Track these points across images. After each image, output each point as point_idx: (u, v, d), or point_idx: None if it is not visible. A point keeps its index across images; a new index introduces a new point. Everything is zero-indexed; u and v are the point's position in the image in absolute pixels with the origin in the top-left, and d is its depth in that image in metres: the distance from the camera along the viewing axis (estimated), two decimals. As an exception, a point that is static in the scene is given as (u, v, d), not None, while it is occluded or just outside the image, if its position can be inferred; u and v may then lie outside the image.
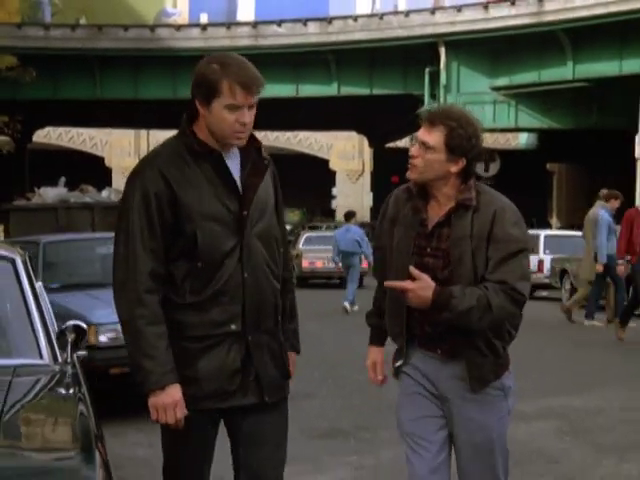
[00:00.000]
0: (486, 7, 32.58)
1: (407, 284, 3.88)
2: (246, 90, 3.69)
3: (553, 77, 32.32)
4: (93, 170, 42.62)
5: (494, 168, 34.12)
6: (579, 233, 27.27)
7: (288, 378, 4.04)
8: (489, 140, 40.88)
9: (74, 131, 49.99)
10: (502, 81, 34.04)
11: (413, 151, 4.03)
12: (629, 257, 14.99)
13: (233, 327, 3.77)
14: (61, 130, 49.28)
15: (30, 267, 4.79)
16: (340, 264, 21.17)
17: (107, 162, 51.26)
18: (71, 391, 4.08)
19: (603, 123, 33.56)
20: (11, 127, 21.84)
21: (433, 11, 33.64)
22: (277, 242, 3.98)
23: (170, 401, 3.70)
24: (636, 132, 24.77)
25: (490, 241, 3.93)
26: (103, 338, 8.81)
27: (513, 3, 31.73)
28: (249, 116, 3.75)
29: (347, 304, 19.98)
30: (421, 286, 3.87)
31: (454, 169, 3.98)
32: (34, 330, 4.42)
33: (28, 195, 24.21)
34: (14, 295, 4.57)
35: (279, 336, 3.95)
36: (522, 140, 45.13)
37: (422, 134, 4.02)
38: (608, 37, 29.48)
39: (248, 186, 3.85)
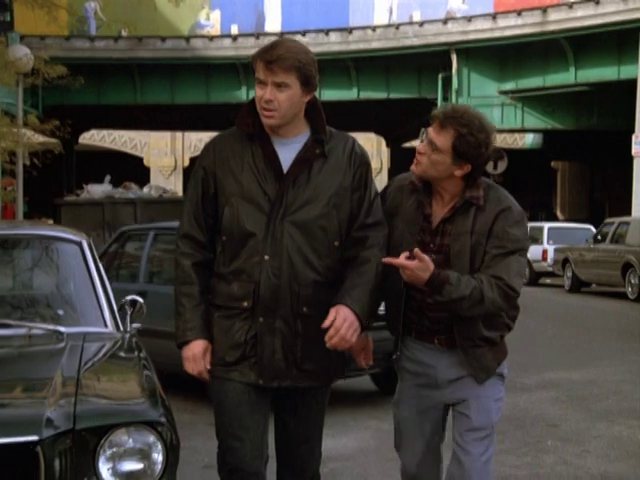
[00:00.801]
0: (494, 17, 32.43)
1: (408, 262, 3.59)
2: (266, 66, 3.57)
3: (556, 81, 32.14)
4: (133, 169, 42.77)
5: (502, 166, 34.14)
6: (581, 225, 27.50)
7: (307, 371, 3.71)
8: (497, 140, 40.73)
9: (116, 133, 50.10)
10: (509, 85, 33.79)
11: (420, 147, 3.77)
12: None
13: (245, 304, 3.64)
14: (104, 132, 49.39)
15: (94, 250, 4.96)
16: None
17: (145, 162, 51.35)
18: (134, 354, 4.29)
19: (603, 124, 33.44)
20: (61, 130, 22.11)
21: (445, 21, 33.44)
22: (326, 232, 3.67)
23: (190, 354, 3.66)
24: (633, 132, 24.76)
25: (489, 237, 3.73)
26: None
27: (519, 14, 31.55)
28: (272, 93, 3.57)
29: None
30: (420, 267, 3.59)
31: (459, 173, 3.74)
32: (99, 303, 4.60)
33: (77, 192, 24.54)
34: (82, 273, 4.75)
35: (297, 326, 3.66)
36: (528, 140, 44.95)
37: (432, 133, 3.75)
38: (607, 45, 29.39)
39: (290, 173, 3.66)
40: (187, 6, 30.54)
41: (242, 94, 35.30)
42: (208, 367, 3.69)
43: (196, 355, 3.67)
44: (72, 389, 3.48)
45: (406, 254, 3.60)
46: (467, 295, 3.62)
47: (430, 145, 3.73)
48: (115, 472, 3.30)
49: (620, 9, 28.08)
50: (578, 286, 22.58)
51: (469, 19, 32.84)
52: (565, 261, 23.14)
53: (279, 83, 3.57)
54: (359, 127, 48.67)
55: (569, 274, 22.87)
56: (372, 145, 56.14)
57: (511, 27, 31.79)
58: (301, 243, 3.65)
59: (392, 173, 55.04)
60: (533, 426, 7.92)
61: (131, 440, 3.33)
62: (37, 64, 21.06)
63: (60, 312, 4.71)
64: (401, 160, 53.86)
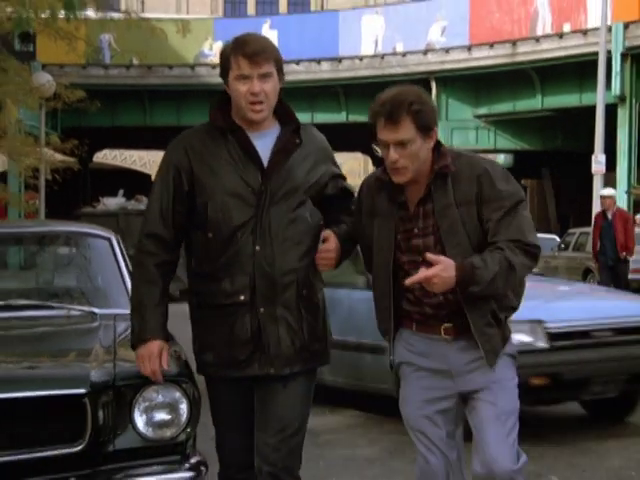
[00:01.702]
0: (469, 49, 32.66)
1: (428, 271, 3.17)
2: (249, 60, 3.34)
3: (525, 107, 32.39)
4: (142, 185, 42.75)
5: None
6: (547, 235, 27.80)
7: (312, 351, 3.48)
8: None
9: (127, 153, 50.23)
10: (483, 110, 34.05)
11: (393, 157, 3.27)
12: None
13: (242, 298, 3.37)
14: (116, 152, 49.58)
15: (122, 245, 5.16)
16: None
17: (154, 179, 51.35)
18: None
19: (567, 145, 33.77)
20: (79, 149, 22.41)
21: (426, 52, 33.64)
22: (311, 216, 3.48)
23: (146, 353, 3.39)
24: (593, 152, 25.08)
25: (482, 203, 3.28)
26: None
27: (492, 46, 31.76)
28: (259, 86, 3.35)
29: None
30: (443, 267, 3.18)
31: (431, 144, 3.33)
32: (126, 289, 4.66)
33: (94, 204, 24.83)
34: (111, 264, 4.96)
35: (300, 310, 3.43)
36: (500, 160, 44.94)
37: (391, 136, 3.28)
38: (570, 75, 29.61)
39: (273, 163, 3.41)
40: (192, 37, 30.79)
41: (242, 117, 35.51)
42: (165, 367, 3.43)
43: (153, 354, 3.39)
44: (110, 355, 3.78)
45: (423, 270, 3.19)
46: (497, 270, 3.22)
47: (399, 146, 3.27)
48: (148, 421, 3.56)
49: (581, 43, 28.37)
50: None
51: (447, 50, 33.04)
52: (532, 267, 23.46)
53: (264, 74, 3.36)
54: (348, 147, 48.78)
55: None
56: (359, 164, 56.24)
57: (484, 58, 32.06)
58: (289, 230, 3.41)
59: (377, 189, 55.31)
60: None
61: (160, 395, 3.59)
62: (58, 89, 21.32)
63: (93, 296, 4.93)
64: None
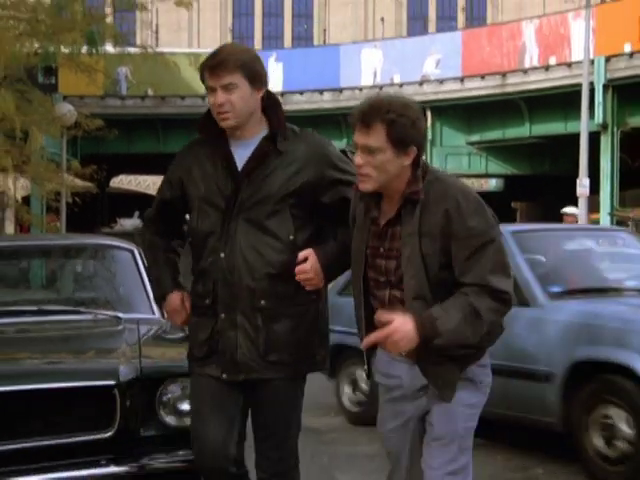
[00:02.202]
0: (462, 80, 32.75)
1: (385, 331, 2.85)
2: (211, 72, 3.22)
3: (514, 134, 32.40)
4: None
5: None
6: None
7: (277, 362, 3.26)
8: (466, 183, 41.10)
9: (141, 178, 50.39)
10: (475, 137, 34.05)
11: (358, 160, 2.96)
12: None
13: (207, 302, 3.29)
14: (132, 177, 49.76)
15: (143, 256, 5.14)
16: None
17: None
18: (177, 331, 4.46)
19: (553, 170, 33.88)
20: (98, 174, 22.65)
21: (421, 83, 33.73)
22: (281, 228, 3.25)
23: (170, 309, 3.45)
24: (577, 176, 25.23)
25: (451, 238, 2.89)
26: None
27: (483, 77, 31.84)
28: (223, 97, 3.19)
29: None
30: (400, 322, 2.84)
31: (407, 162, 2.94)
32: (148, 297, 4.83)
33: (112, 224, 25.01)
34: (134, 274, 5.08)
35: (256, 320, 3.23)
36: (492, 184, 45.24)
37: (360, 139, 2.97)
38: (555, 104, 29.69)
39: (243, 170, 3.25)
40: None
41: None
42: (188, 312, 3.42)
43: (176, 307, 3.42)
44: (136, 353, 3.94)
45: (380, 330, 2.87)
46: (461, 317, 2.85)
47: (366, 151, 2.95)
48: (170, 411, 3.72)
49: (566, 74, 28.52)
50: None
51: (441, 81, 33.11)
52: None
53: (226, 85, 3.20)
54: (348, 173, 49.16)
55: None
56: (359, 188, 56.63)
57: (476, 88, 32.12)
58: (255, 239, 3.23)
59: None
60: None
61: (182, 388, 3.74)
62: (78, 119, 21.54)
63: (118, 303, 5.07)
64: None
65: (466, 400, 3.06)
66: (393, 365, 3.12)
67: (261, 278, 3.23)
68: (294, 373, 3.33)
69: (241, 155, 3.28)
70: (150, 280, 3.67)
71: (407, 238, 2.93)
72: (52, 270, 5.95)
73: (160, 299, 3.54)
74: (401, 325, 2.82)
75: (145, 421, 3.65)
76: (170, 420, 3.74)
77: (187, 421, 3.68)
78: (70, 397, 3.64)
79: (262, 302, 3.24)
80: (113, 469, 3.57)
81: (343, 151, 3.43)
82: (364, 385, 7.33)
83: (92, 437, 3.59)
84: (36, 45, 16.94)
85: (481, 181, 48.28)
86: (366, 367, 3.22)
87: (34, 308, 4.83)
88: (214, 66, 3.22)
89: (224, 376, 3.25)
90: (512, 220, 51.56)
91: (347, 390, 7.55)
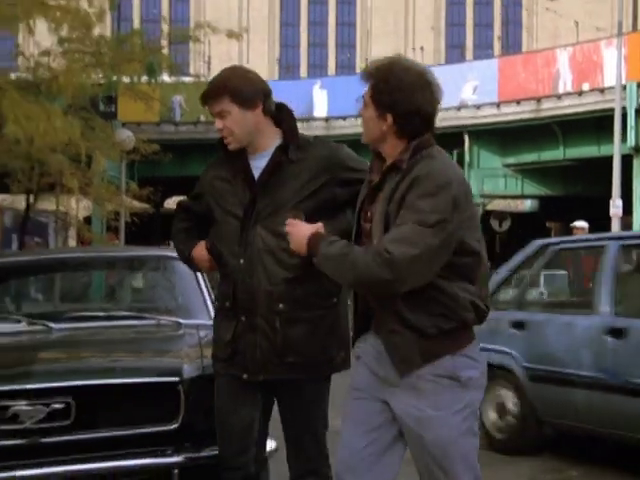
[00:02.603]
0: (498, 105, 32.75)
1: (290, 225, 2.93)
2: (204, 103, 3.31)
3: (549, 157, 32.35)
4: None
5: (506, 225, 34.52)
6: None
7: (296, 364, 3.23)
8: (502, 204, 40.93)
9: (193, 199, 50.81)
10: (511, 160, 34.03)
11: (359, 111, 2.93)
12: None
13: (227, 304, 3.32)
14: (184, 198, 50.18)
15: None
16: None
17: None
18: None
19: (587, 191, 33.64)
20: (154, 196, 23.07)
21: (459, 108, 33.71)
22: None
23: (195, 255, 3.44)
24: (611, 197, 25.11)
25: (401, 207, 2.74)
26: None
27: (518, 103, 31.85)
28: (218, 123, 3.26)
29: None
30: (304, 226, 2.89)
31: (384, 127, 2.81)
32: (205, 304, 4.94)
33: (167, 241, 25.32)
34: (192, 282, 5.10)
35: (275, 322, 3.23)
36: (527, 205, 45.04)
37: (364, 91, 2.92)
38: (589, 128, 29.67)
39: (260, 182, 3.28)
40: (253, 97, 31.29)
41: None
42: (206, 265, 3.49)
43: (200, 254, 3.45)
44: (197, 353, 4.05)
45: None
46: (337, 254, 2.76)
47: (361, 101, 2.92)
48: None
49: (598, 99, 28.51)
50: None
51: (478, 107, 33.20)
52: (556, 300, 23.37)
53: (219, 113, 3.25)
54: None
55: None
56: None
57: (512, 113, 32.17)
58: (272, 245, 3.23)
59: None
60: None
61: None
62: (136, 144, 22.00)
63: (178, 309, 5.18)
64: None
65: (455, 405, 2.77)
66: (375, 345, 2.90)
67: (278, 282, 3.23)
68: (314, 374, 3.30)
69: (258, 166, 3.31)
70: (177, 248, 3.60)
71: (381, 202, 2.82)
72: (118, 279, 6.15)
73: (188, 259, 3.52)
74: (302, 228, 2.87)
75: (206, 415, 3.71)
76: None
77: None
78: (139, 392, 3.78)
79: (280, 305, 3.24)
80: (177, 458, 3.69)
81: None
82: (513, 407, 6.40)
83: (159, 429, 3.72)
84: (99, 76, 17.38)
85: (517, 202, 48.10)
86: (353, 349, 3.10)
87: (103, 314, 5.02)
88: (204, 97, 3.29)
89: (245, 376, 3.28)
90: (547, 239, 51.30)
91: (492, 415, 6.54)
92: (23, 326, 4.68)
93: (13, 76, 16.18)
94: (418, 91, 2.79)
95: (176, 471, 3.65)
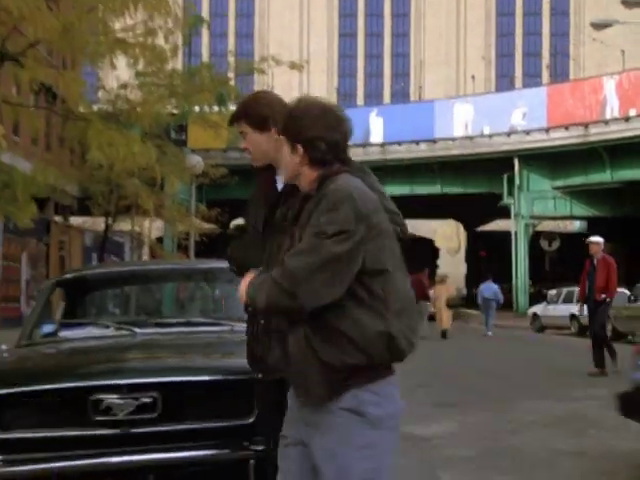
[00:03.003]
0: (547, 131, 32.71)
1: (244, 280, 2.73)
2: (230, 124, 3.36)
3: (596, 180, 32.21)
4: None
5: (555, 245, 34.16)
6: (621, 290, 27.23)
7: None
8: (551, 225, 40.60)
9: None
10: (559, 182, 33.92)
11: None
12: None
13: (250, 308, 3.13)
14: (248, 220, 50.59)
15: None
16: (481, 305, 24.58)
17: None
18: None
19: (634, 212, 33.36)
20: (221, 217, 23.45)
21: (509, 134, 33.76)
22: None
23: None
24: (657, 217, 24.90)
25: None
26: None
27: (567, 128, 31.80)
28: (242, 142, 3.29)
29: (488, 332, 23.18)
30: (248, 277, 2.70)
31: (298, 158, 2.71)
32: None
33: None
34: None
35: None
36: (576, 225, 44.62)
37: None
38: (636, 152, 29.44)
39: (278, 201, 3.18)
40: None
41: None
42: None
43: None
44: None
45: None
46: (255, 290, 2.60)
47: (280, 145, 2.82)
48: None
49: (645, 124, 28.46)
50: (617, 337, 22.37)
51: (527, 132, 33.16)
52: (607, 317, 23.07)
53: (241, 133, 3.30)
54: (442, 215, 48.59)
55: (609, 327, 22.70)
56: (452, 229, 56.03)
57: (560, 138, 32.12)
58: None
59: (468, 251, 55.01)
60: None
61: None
62: (205, 169, 22.41)
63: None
64: (475, 241, 53.18)
65: (356, 442, 2.55)
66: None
67: None
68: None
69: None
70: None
71: (297, 230, 2.67)
72: (195, 289, 6.36)
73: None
74: (245, 280, 2.69)
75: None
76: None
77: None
78: (217, 389, 3.95)
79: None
80: (253, 450, 3.83)
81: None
82: None
83: (237, 423, 3.87)
84: (172, 106, 17.84)
85: (566, 223, 47.64)
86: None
87: (182, 320, 5.22)
88: (230, 120, 3.36)
89: (259, 376, 3.30)
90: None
91: None
92: (111, 331, 4.90)
93: (95, 108, 16.73)
94: (321, 119, 2.72)
95: (252, 462, 3.78)
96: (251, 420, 3.87)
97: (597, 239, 12.66)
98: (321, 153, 2.70)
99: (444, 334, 22.22)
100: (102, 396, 3.68)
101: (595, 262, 12.50)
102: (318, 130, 2.69)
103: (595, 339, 12.50)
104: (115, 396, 3.68)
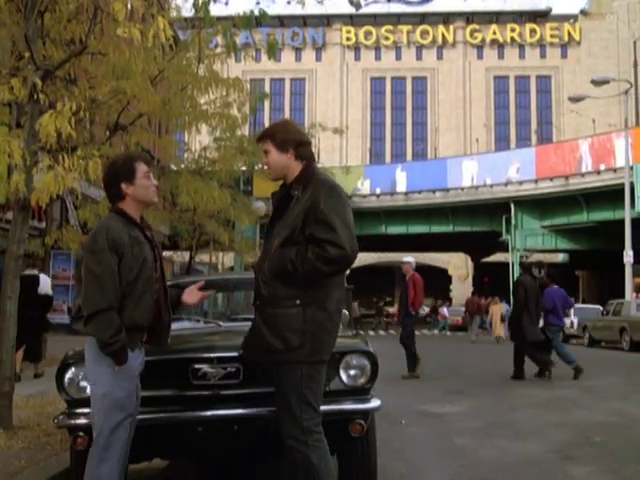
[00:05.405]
0: (536, 182, 32.55)
1: None
2: (257, 142, 3.26)
3: (576, 220, 31.85)
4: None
5: (543, 272, 33.75)
6: (593, 306, 26.93)
7: (269, 349, 3.07)
8: (540, 257, 40.00)
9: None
10: (547, 222, 33.58)
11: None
12: None
13: (257, 302, 3.23)
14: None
15: None
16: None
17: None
18: (354, 331, 4.84)
19: (607, 246, 32.82)
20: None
21: (506, 184, 33.62)
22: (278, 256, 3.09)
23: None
24: (623, 249, 24.62)
25: None
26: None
27: (551, 179, 31.58)
28: (263, 159, 3.21)
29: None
30: None
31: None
32: None
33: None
34: None
35: (260, 313, 3.16)
36: (560, 257, 44.08)
37: None
38: (606, 198, 29.19)
39: (273, 209, 3.24)
40: (351, 177, 32.00)
41: (382, 229, 36.07)
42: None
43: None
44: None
45: None
46: None
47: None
48: (348, 375, 3.75)
49: (612, 177, 28.26)
50: (592, 343, 22.24)
51: (520, 183, 32.98)
52: (584, 327, 22.84)
53: (264, 151, 3.20)
54: (453, 249, 48.10)
55: (587, 335, 22.52)
56: (462, 260, 55.71)
57: (546, 187, 31.84)
58: (262, 258, 3.19)
59: (474, 278, 53.88)
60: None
61: (355, 360, 3.76)
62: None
63: None
64: (480, 269, 52.38)
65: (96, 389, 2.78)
66: None
67: (259, 284, 3.17)
68: (277, 359, 3.12)
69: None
70: None
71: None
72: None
73: None
74: None
75: (332, 381, 3.77)
76: (348, 381, 3.76)
77: (359, 381, 3.72)
78: None
79: (257, 301, 3.20)
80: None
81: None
82: None
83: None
84: (243, 162, 18.22)
85: (552, 255, 47.11)
86: None
87: (251, 316, 5.29)
88: (257, 138, 3.27)
89: (248, 356, 3.26)
90: (576, 286, 49.96)
91: None
92: (201, 324, 4.95)
93: (182, 165, 17.17)
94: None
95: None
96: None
97: (408, 259, 11.34)
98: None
99: (498, 340, 23.69)
100: (199, 366, 3.71)
101: (407, 280, 11.18)
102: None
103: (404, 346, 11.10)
104: (209, 366, 3.71)
